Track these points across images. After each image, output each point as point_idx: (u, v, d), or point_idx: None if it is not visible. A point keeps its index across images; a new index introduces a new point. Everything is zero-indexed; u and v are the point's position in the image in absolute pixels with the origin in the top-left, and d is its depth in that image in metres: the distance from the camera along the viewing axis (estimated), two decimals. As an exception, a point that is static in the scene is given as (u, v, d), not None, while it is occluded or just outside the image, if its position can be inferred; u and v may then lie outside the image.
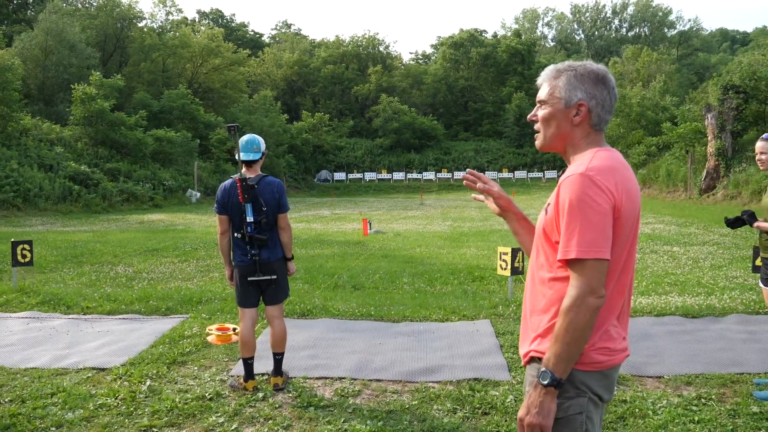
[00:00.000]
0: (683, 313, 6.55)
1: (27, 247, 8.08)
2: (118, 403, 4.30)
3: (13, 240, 8.21)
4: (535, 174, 54.97)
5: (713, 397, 4.30)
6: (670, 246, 13.58)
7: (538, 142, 2.16)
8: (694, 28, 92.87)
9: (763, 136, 4.50)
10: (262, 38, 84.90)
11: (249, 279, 4.51)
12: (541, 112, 2.12)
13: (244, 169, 4.55)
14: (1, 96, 29.95)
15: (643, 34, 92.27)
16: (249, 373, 4.56)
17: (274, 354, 4.64)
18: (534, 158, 57.84)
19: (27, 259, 8.08)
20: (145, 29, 52.20)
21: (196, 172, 38.12)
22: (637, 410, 4.06)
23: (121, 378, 4.81)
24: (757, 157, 4.48)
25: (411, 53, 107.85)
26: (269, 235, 4.50)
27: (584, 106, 2.03)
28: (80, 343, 5.81)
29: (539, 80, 2.18)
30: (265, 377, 4.81)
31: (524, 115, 59.19)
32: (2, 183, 25.12)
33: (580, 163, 1.97)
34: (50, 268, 11.00)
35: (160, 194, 33.38)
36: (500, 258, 7.24)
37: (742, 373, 4.75)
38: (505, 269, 7.19)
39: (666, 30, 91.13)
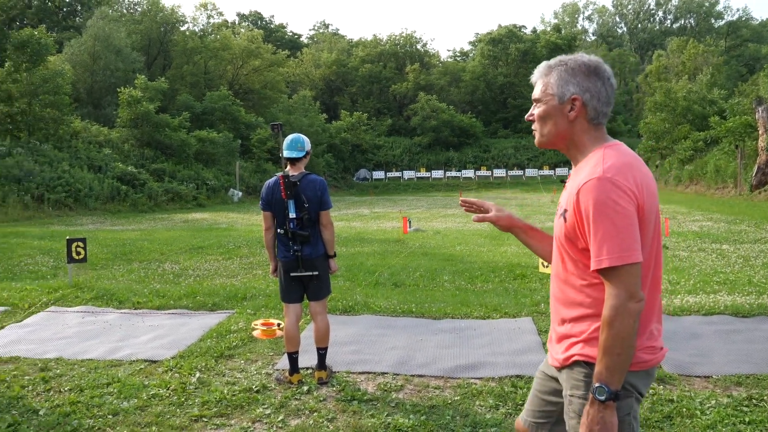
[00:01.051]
0: (733, 312, 6.42)
1: (81, 244, 8.39)
2: (169, 394, 4.46)
3: (68, 238, 8.54)
4: (577, 171, 54.08)
5: (765, 398, 4.22)
6: (719, 244, 13.27)
7: (536, 140, 2.13)
8: (744, 18, 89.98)
9: None
10: (301, 39, 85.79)
11: (291, 275, 4.61)
12: (536, 110, 2.09)
13: (288, 167, 4.66)
14: (53, 100, 31.02)
15: (688, 25, 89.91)
16: (293, 367, 4.67)
17: (318, 349, 4.73)
18: (575, 155, 56.95)
19: (81, 256, 8.39)
20: (187, 33, 53.34)
21: (238, 171, 38.75)
22: (684, 410, 4.02)
23: (171, 370, 4.98)
24: None
25: (449, 50, 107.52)
26: (311, 232, 4.57)
27: (578, 100, 2.00)
28: (132, 337, 6.03)
29: (533, 78, 2.13)
30: (310, 371, 4.92)
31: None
32: (55, 184, 26.02)
33: (594, 164, 1.92)
34: (101, 265, 11.38)
35: (204, 194, 34.09)
36: (542, 255, 7.20)
37: (791, 374, 4.65)
38: (546, 267, 7.15)
39: (713, 21, 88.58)
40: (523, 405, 4.11)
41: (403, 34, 75.67)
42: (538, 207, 30.00)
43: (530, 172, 54.70)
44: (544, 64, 2.11)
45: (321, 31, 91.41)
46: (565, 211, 1.98)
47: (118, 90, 36.05)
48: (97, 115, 39.85)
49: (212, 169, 37.95)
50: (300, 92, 59.35)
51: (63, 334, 6.19)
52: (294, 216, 4.55)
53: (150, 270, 10.88)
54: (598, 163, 1.92)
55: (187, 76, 49.89)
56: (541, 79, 2.09)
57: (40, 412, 4.16)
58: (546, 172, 54.20)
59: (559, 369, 2.08)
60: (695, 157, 36.12)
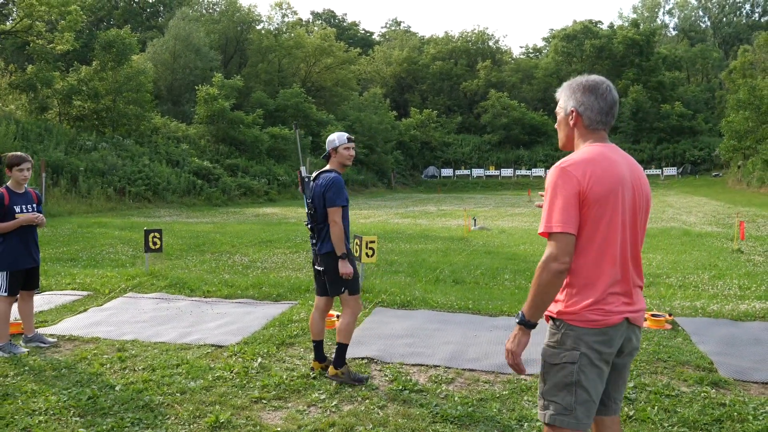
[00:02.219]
0: (801, 319, 6.20)
1: (157, 235, 8.92)
2: (233, 376, 4.75)
3: (145, 229, 9.09)
4: (653, 171, 52.32)
5: (823, 405, 4.12)
6: (799, 249, 12.66)
7: (559, 143, 2.68)
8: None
9: None
10: (372, 36, 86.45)
11: (313, 266, 4.85)
12: (557, 121, 2.67)
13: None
14: (135, 97, 32.69)
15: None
16: (316, 355, 4.87)
17: (337, 343, 4.69)
18: (652, 154, 55.14)
19: (157, 246, 8.91)
20: (263, 31, 54.77)
21: (308, 167, 39.55)
22: (735, 414, 3.98)
23: (236, 355, 5.28)
24: None
25: (521, 47, 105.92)
26: (323, 228, 4.69)
27: (574, 111, 2.53)
28: (201, 323, 6.40)
29: (556, 95, 2.67)
30: (365, 361, 5.12)
31: (641, 109, 56.58)
32: (136, 177, 27.41)
33: (566, 157, 2.45)
34: (176, 255, 11.99)
35: (275, 189, 35.05)
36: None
37: None
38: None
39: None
40: (570, 402, 4.18)
41: (475, 31, 75.13)
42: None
43: (603, 171, 53.16)
44: (562, 86, 2.65)
45: (393, 28, 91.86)
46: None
47: (196, 87, 37.53)
48: (176, 111, 41.62)
49: (283, 165, 38.93)
50: (371, 90, 59.95)
51: (139, 318, 6.63)
52: (306, 210, 4.77)
53: (221, 261, 11.39)
54: (570, 155, 2.45)
55: (262, 74, 51.28)
56: (558, 96, 2.64)
57: (116, 388, 4.52)
58: (620, 171, 52.54)
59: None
60: (782, 157, 34.27)
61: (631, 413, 4.01)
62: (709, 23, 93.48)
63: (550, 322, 2.50)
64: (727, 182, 43.98)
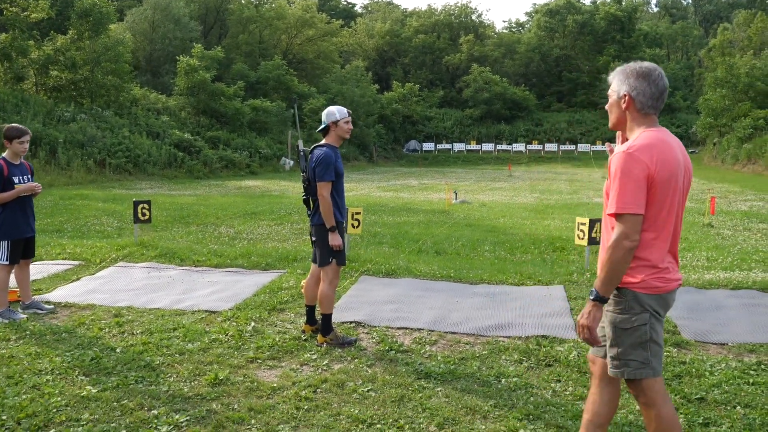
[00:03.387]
0: (761, 288, 6.61)
1: (146, 206, 9.09)
2: (228, 339, 5.02)
3: (134, 200, 9.25)
4: (631, 147, 52.92)
5: (774, 364, 4.50)
6: (767, 224, 13.17)
7: (609, 124, 2.91)
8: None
9: None
10: (355, 8, 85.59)
11: (310, 236, 5.10)
12: (608, 102, 2.87)
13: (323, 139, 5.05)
14: (113, 68, 32.24)
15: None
16: (308, 318, 5.15)
17: (321, 314, 4.96)
18: (630, 130, 55.66)
19: (146, 217, 9.09)
20: (244, 2, 53.97)
21: (290, 140, 39.55)
22: (694, 371, 4.34)
23: (229, 320, 5.54)
24: None
25: (504, 21, 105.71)
26: (315, 200, 4.90)
27: (627, 95, 2.72)
28: (193, 290, 6.64)
29: (609, 78, 2.89)
30: (353, 325, 5.41)
31: (621, 86, 56.83)
32: (116, 149, 27.25)
33: (629, 142, 2.68)
34: (162, 227, 12.15)
35: (257, 162, 35.02)
36: (578, 228, 7.49)
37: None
38: (582, 239, 7.44)
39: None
40: (545, 361, 4.53)
41: (458, 4, 74.73)
42: (588, 183, 29.77)
43: (582, 147, 53.84)
44: (615, 69, 2.85)
45: (375, 0, 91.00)
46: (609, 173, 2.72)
47: (176, 58, 37.12)
48: (156, 83, 41.15)
49: (265, 137, 38.85)
50: (353, 62, 59.59)
51: (132, 286, 6.85)
52: (303, 183, 4.99)
53: (207, 233, 11.58)
54: (632, 141, 2.66)
55: (243, 46, 50.73)
56: (610, 80, 2.85)
57: (117, 350, 4.76)
58: (599, 147, 53.23)
59: None
60: (755, 135, 35.02)
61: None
62: (690, 0, 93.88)
63: (615, 292, 2.68)
64: (702, 159, 44.78)
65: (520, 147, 54.52)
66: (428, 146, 55.95)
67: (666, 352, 4.73)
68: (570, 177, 34.34)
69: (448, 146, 55.77)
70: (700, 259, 9.02)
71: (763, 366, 4.45)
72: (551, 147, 54.20)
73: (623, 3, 69.93)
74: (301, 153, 5.05)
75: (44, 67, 31.32)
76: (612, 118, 2.85)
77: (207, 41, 47.99)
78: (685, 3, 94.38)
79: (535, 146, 54.49)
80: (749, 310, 5.83)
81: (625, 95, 2.72)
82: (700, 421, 3.59)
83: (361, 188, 25.07)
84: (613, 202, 2.59)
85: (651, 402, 2.71)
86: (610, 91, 2.84)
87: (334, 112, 4.93)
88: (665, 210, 2.63)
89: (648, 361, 2.67)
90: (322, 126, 4.98)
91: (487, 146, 55.12)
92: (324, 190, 4.80)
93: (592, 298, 2.64)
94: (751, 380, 4.15)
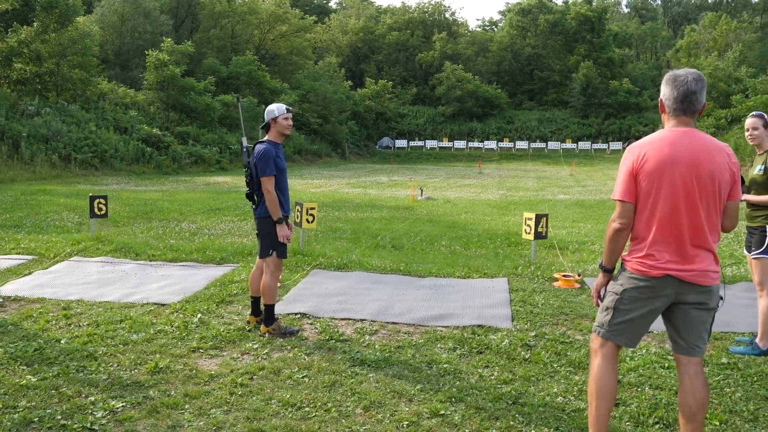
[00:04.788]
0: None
1: (102, 201, 9.11)
2: (173, 330, 5.12)
3: (91, 195, 9.26)
4: (600, 145, 53.90)
5: (693, 350, 4.74)
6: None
7: None
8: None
9: (753, 113, 4.83)
10: (329, 4, 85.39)
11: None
12: None
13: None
14: (80, 61, 31.81)
15: (724, 0, 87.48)
16: (253, 309, 5.29)
17: (264, 304, 5.10)
18: (599, 129, 56.64)
19: (102, 212, 9.11)
20: (215, -4, 53.57)
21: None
22: (616, 356, 4.57)
23: (177, 312, 5.64)
24: (748, 133, 4.81)
25: (477, 20, 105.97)
26: (259, 194, 5.03)
27: (661, 100, 3.09)
28: (145, 284, 6.72)
29: None
30: (299, 316, 5.55)
31: (591, 85, 57.79)
32: (82, 144, 26.95)
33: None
34: (123, 222, 12.14)
35: (227, 158, 34.88)
36: (525, 223, 7.72)
37: (728, 332, 5.15)
38: (529, 233, 7.67)
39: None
40: (477, 348, 4.73)
41: (432, 2, 75.07)
42: (556, 180, 30.24)
43: (553, 145, 54.54)
44: None
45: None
46: None
47: (146, 53, 36.75)
48: (124, 77, 40.69)
49: (236, 133, 38.68)
50: (326, 59, 59.54)
51: (84, 280, 6.89)
52: (246, 178, 5.12)
53: (168, 228, 11.60)
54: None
55: (214, 40, 50.35)
56: None
57: (62, 341, 4.84)
58: (568, 145, 54.00)
59: None
60: (717, 135, 35.83)
61: (527, 356, 4.56)
62: (659, 2, 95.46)
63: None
64: (668, 157, 45.56)
65: (491, 144, 55.04)
66: (401, 143, 56.18)
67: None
68: (539, 174, 34.84)
69: (420, 143, 56.05)
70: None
71: (681, 352, 4.70)
72: (522, 145, 54.80)
73: (594, 3, 70.92)
74: (244, 149, 5.18)
75: (7, 60, 30.78)
76: (662, 120, 3.17)
77: (178, 35, 47.61)
78: (655, 4, 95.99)
79: (506, 144, 55.05)
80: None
81: (660, 100, 3.10)
82: (612, 403, 3.81)
83: (331, 184, 25.17)
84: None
85: (592, 354, 3.19)
86: None
87: (273, 109, 5.09)
88: (652, 200, 2.92)
89: (603, 323, 3.10)
90: (264, 123, 5.13)
91: (459, 143, 55.54)
92: (268, 184, 4.94)
93: (599, 265, 3.19)
94: (666, 364, 4.39)
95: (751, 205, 4.80)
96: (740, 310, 5.76)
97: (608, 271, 3.15)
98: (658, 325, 5.29)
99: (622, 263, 3.11)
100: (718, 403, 3.82)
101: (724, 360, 4.53)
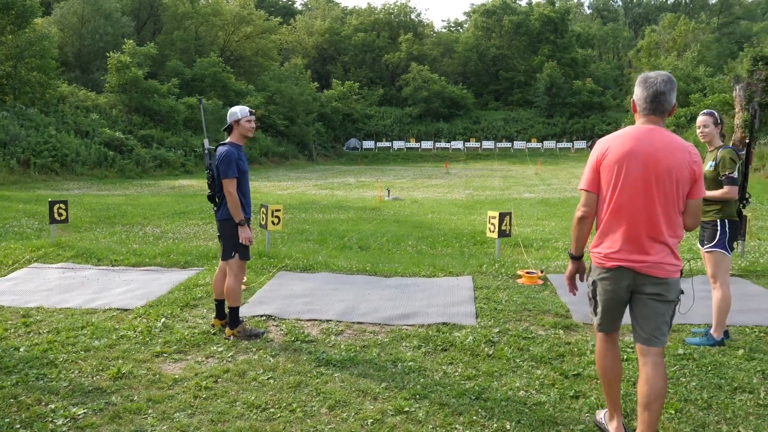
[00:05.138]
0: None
1: (62, 206, 8.93)
2: (136, 335, 5.06)
3: (50, 200, 9.08)
4: (564, 144, 54.68)
5: (651, 342, 4.87)
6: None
7: None
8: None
9: (704, 111, 5.00)
10: (294, 5, 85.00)
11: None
12: None
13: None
14: (39, 64, 31.10)
15: (683, 1, 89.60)
16: (218, 312, 5.26)
17: (228, 307, 5.07)
18: (563, 128, 57.46)
19: (63, 217, 8.93)
20: (179, -3, 52.92)
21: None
22: (576, 350, 4.68)
23: (140, 316, 5.58)
24: (699, 131, 4.97)
25: (443, 21, 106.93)
26: (221, 196, 5.01)
27: (633, 100, 3.23)
28: (108, 289, 6.62)
29: None
30: (264, 318, 5.54)
31: (555, 85, 58.63)
32: (41, 149, 26.33)
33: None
34: (85, 227, 11.92)
35: (192, 161, 34.45)
36: (489, 222, 7.82)
37: (685, 324, 5.30)
38: (493, 232, 7.77)
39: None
40: (441, 346, 4.78)
41: (398, 3, 75.28)
42: (522, 179, 30.59)
43: (518, 144, 55.17)
44: None
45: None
46: None
47: (107, 55, 36.10)
48: (85, 79, 39.91)
49: (201, 136, 38.23)
50: (292, 60, 59.28)
51: (44, 287, 6.76)
52: (207, 180, 5.10)
53: (132, 233, 11.43)
54: None
55: (178, 42, 49.70)
56: None
57: (21, 349, 4.74)
58: (534, 144, 54.68)
59: None
60: (677, 132, 36.68)
61: (490, 352, 4.63)
62: (620, 3, 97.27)
63: None
64: (630, 155, 46.50)
65: (458, 145, 55.42)
66: (368, 144, 56.20)
67: (555, 334, 5.06)
68: (505, 174, 35.21)
69: (387, 144, 56.15)
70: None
71: (639, 345, 4.82)
72: (488, 144, 55.30)
73: (557, 4, 71.99)
74: (206, 151, 5.15)
75: (-38, 63, 29.99)
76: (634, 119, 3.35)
77: (140, 37, 46.87)
78: (616, 5, 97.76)
79: (472, 144, 55.49)
80: (639, 295, 6.24)
81: (632, 100, 3.24)
82: (572, 394, 3.90)
83: (298, 186, 25.08)
84: None
85: (596, 336, 3.44)
86: None
87: (236, 111, 5.08)
88: (611, 192, 3.07)
89: (593, 313, 3.34)
90: (226, 125, 5.11)
91: (426, 144, 55.79)
92: (230, 186, 4.92)
93: (568, 254, 3.37)
94: (625, 356, 4.50)
95: (704, 200, 4.94)
96: (696, 303, 5.91)
97: (576, 259, 3.31)
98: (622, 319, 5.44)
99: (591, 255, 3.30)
100: (674, 393, 3.93)
101: (681, 351, 4.67)
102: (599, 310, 3.27)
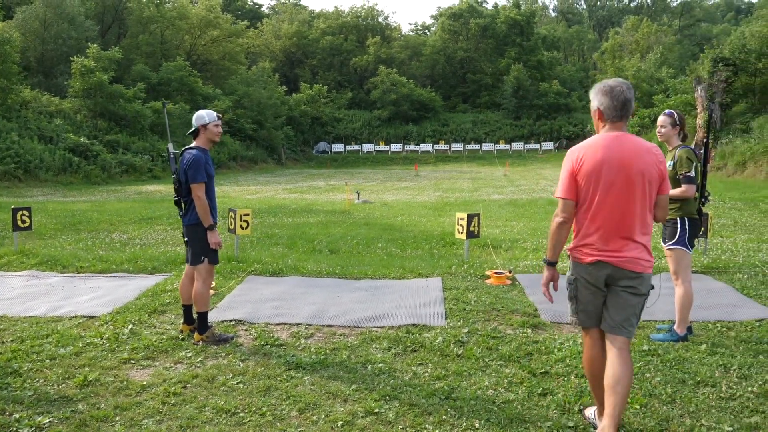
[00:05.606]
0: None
1: (26, 213, 8.76)
2: (103, 342, 5.00)
3: (13, 207, 8.90)
4: (532, 146, 55.35)
5: (616, 338, 4.98)
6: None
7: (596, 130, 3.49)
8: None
9: (665, 111, 5.14)
10: (261, 9, 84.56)
11: (183, 237, 5.17)
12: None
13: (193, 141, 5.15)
14: (0, 68, 30.38)
15: (645, 4, 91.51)
16: (185, 318, 5.22)
17: (197, 312, 5.04)
18: (531, 130, 58.13)
19: (26, 224, 8.76)
20: (144, 0, 52.16)
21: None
22: (544, 348, 4.75)
23: (107, 323, 5.50)
24: (657, 130, 5.11)
25: (410, 24, 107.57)
26: (188, 201, 4.97)
27: (598, 109, 3.31)
28: (73, 297, 6.51)
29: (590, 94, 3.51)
30: (233, 323, 5.51)
31: (522, 87, 59.32)
32: (3, 155, 25.74)
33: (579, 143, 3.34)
34: (49, 235, 11.69)
35: (159, 166, 34.00)
36: (458, 223, 7.89)
37: (650, 320, 5.43)
38: (461, 233, 7.85)
39: (668, 0, 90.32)
40: (411, 347, 4.81)
41: (365, 7, 75.56)
42: (490, 180, 30.88)
43: (487, 146, 55.66)
44: (593, 87, 3.45)
45: (282, 1, 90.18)
46: None
47: (71, 59, 35.44)
48: (49, 84, 39.12)
49: (167, 140, 37.75)
50: (259, 64, 58.89)
51: (7, 295, 6.62)
52: (173, 185, 5.07)
53: (98, 239, 11.25)
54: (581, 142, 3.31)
55: (143, 46, 48.98)
56: (590, 96, 3.42)
57: (-17, 360, 4.65)
58: (502, 146, 55.23)
59: None
60: (641, 133, 37.41)
61: (460, 352, 4.69)
62: (585, 6, 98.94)
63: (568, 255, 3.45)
64: (597, 156, 47.28)
65: (427, 147, 55.70)
66: (338, 147, 56.15)
67: (524, 333, 5.13)
68: (473, 175, 35.50)
69: (357, 147, 56.19)
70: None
71: (605, 341, 4.93)
72: (457, 147, 55.68)
73: (522, 7, 72.89)
74: (172, 156, 5.11)
75: None
76: (595, 126, 3.43)
77: (104, 41, 46.09)
78: (581, 8, 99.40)
79: (441, 146, 55.82)
80: (605, 292, 6.36)
81: (597, 109, 3.31)
82: (539, 392, 3.96)
83: (267, 190, 24.94)
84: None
85: (583, 341, 3.53)
86: (591, 104, 3.41)
87: (204, 115, 5.05)
88: (589, 197, 3.22)
89: (574, 312, 3.43)
90: (193, 129, 5.06)
91: (396, 147, 55.96)
92: (199, 191, 4.89)
93: (544, 261, 3.42)
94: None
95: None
96: (660, 299, 6.06)
97: (552, 264, 3.39)
98: (584, 316, 5.54)
99: (569, 255, 3.41)
100: (639, 388, 4.02)
101: (645, 347, 4.78)
102: (581, 306, 3.38)
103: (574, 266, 3.37)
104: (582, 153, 3.24)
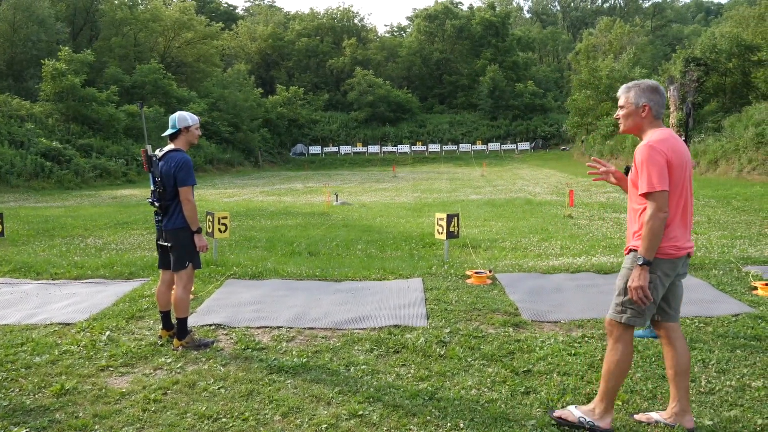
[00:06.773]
0: (597, 270, 7.29)
1: (-3, 219, 8.57)
2: (80, 350, 4.90)
3: (-16, 213, 8.70)
4: (509, 146, 55.73)
5: (596, 336, 5.03)
6: (619, 213, 14.38)
7: (621, 129, 3.54)
8: (669, 0, 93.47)
9: None
10: (236, 11, 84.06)
11: (157, 242, 5.08)
12: (622, 111, 3.47)
13: (169, 143, 5.07)
14: (-32, 72, 29.78)
15: (618, 5, 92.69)
16: (164, 324, 5.14)
17: (176, 318, 4.97)
18: (507, 130, 58.54)
19: (-2, 231, 8.57)
20: (116, 2, 51.49)
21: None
22: (526, 347, 4.77)
23: (84, 330, 5.40)
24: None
25: (386, 26, 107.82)
26: (170, 205, 4.89)
27: (647, 106, 3.37)
28: (48, 304, 6.38)
29: (618, 93, 3.54)
30: (213, 327, 5.44)
31: (498, 88, 59.67)
32: (-27, 160, 25.19)
33: (647, 138, 3.33)
34: (22, 241, 11.46)
35: (134, 170, 33.56)
36: (437, 223, 7.90)
37: (628, 317, 5.47)
38: (441, 233, 7.85)
39: (641, 1, 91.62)
40: (393, 348, 4.80)
41: (341, 8, 75.44)
42: (468, 181, 31.00)
43: (464, 147, 55.92)
44: (624, 86, 3.50)
45: (257, 3, 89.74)
46: (634, 166, 3.34)
47: (42, 62, 34.84)
48: (18, 88, 38.44)
49: (143, 144, 37.28)
50: (235, 66, 58.50)
51: (-20, 303, 6.47)
52: (151, 188, 4.97)
53: (72, 245, 11.06)
54: (648, 137, 3.31)
55: (116, 49, 48.33)
56: (624, 94, 3.46)
57: (-45, 370, 4.53)
58: (479, 147, 55.52)
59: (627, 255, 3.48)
60: (616, 132, 37.86)
61: (442, 353, 4.68)
62: (558, 7, 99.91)
63: (631, 253, 3.38)
64: (573, 155, 47.90)
65: (404, 148, 55.80)
66: (315, 149, 56.00)
67: (505, 332, 5.15)
68: (451, 176, 35.62)
69: (334, 149, 56.07)
70: (555, 248, 9.75)
71: (586, 338, 4.97)
72: (434, 148, 55.87)
73: (497, 9, 73.37)
74: (154, 158, 5.00)
75: None
76: (628, 124, 3.46)
77: (76, 44, 45.45)
78: (555, 10, 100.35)
79: (419, 147, 55.94)
80: (584, 290, 6.43)
81: (644, 105, 3.37)
82: (522, 390, 3.98)
83: (244, 193, 24.76)
84: (644, 184, 3.22)
85: (614, 341, 3.42)
86: (625, 103, 3.43)
87: (187, 118, 4.99)
88: (678, 190, 3.28)
89: (643, 313, 3.36)
90: (173, 130, 4.98)
91: (373, 148, 55.97)
92: (188, 194, 4.86)
93: (640, 263, 3.25)
94: (573, 351, 4.63)
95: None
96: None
97: (650, 265, 3.27)
98: (566, 314, 5.58)
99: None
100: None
101: (624, 343, 4.81)
102: (650, 307, 3.34)
103: (658, 264, 3.29)
104: (669, 144, 3.25)
